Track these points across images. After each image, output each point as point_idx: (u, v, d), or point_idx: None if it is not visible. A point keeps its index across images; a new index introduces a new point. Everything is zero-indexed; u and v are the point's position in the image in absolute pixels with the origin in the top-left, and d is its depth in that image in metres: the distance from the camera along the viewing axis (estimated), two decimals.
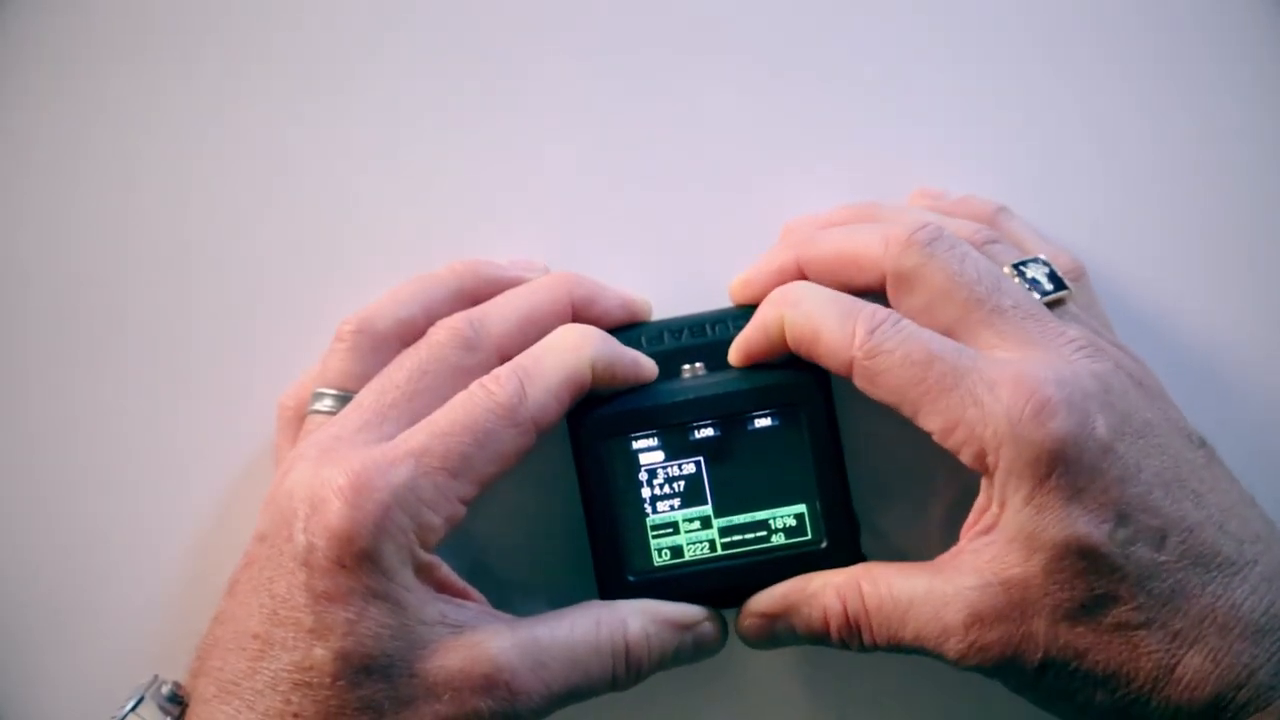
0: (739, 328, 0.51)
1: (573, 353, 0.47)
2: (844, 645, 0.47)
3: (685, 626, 0.48)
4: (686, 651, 0.48)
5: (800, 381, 0.48)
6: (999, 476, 0.44)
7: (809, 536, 0.48)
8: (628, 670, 0.46)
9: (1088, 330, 0.47)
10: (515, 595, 0.52)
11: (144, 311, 0.53)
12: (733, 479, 0.49)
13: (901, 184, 0.54)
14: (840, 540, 0.48)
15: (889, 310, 0.46)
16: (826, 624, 0.47)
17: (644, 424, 0.48)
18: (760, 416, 0.48)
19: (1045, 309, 0.47)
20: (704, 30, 0.54)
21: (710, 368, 0.50)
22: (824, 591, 0.47)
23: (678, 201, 0.54)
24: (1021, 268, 0.49)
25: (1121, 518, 0.43)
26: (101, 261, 0.53)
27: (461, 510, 0.45)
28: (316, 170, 0.54)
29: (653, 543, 0.48)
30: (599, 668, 0.46)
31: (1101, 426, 0.44)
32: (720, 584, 0.48)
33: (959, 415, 0.44)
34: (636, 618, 0.47)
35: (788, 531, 0.48)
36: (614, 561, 0.48)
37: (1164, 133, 0.54)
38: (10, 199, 0.53)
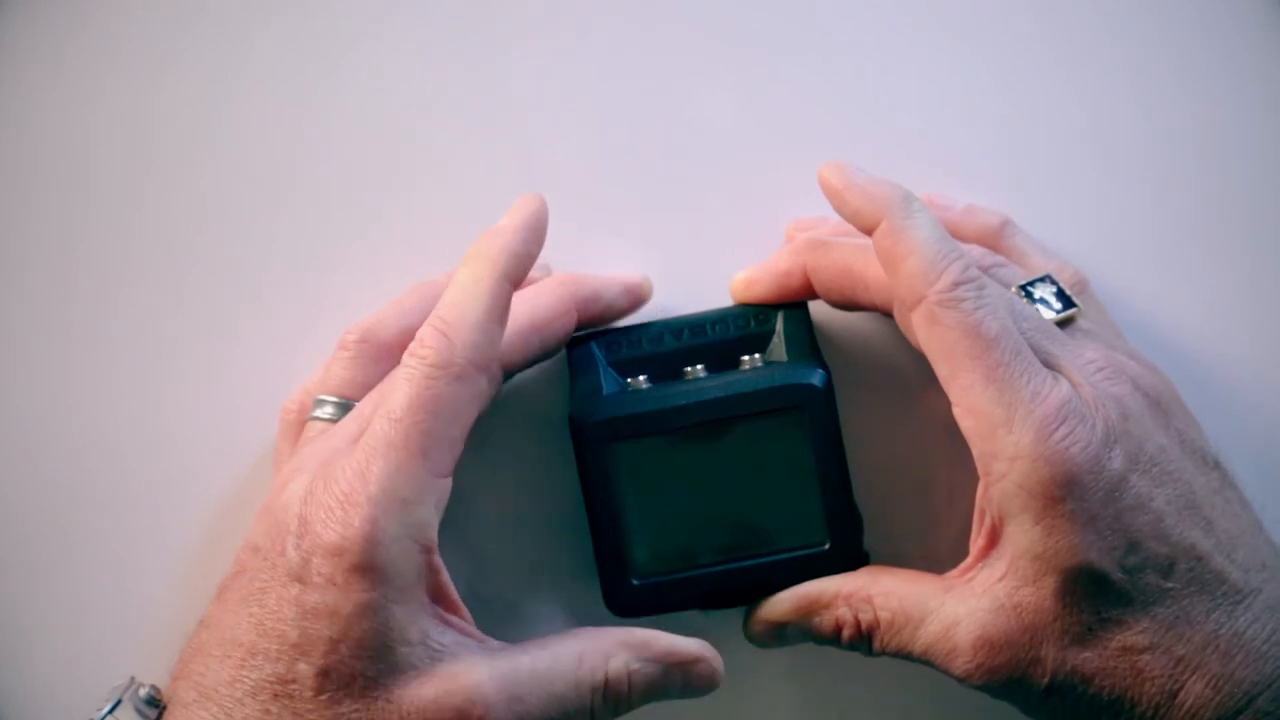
0: (739, 328, 0.51)
1: (477, 283, 0.46)
2: (852, 648, 0.48)
3: (678, 662, 0.47)
4: (675, 688, 0.47)
5: (803, 384, 0.48)
6: (1006, 488, 0.44)
7: (812, 539, 0.48)
8: (605, 705, 0.46)
9: (1103, 348, 0.47)
10: (520, 600, 0.52)
11: (144, 312, 0.53)
12: (736, 481, 0.48)
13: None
14: (843, 542, 0.48)
15: (981, 271, 0.46)
16: (838, 631, 0.48)
17: (646, 428, 0.48)
18: (763, 418, 0.48)
19: (1059, 330, 0.47)
20: (706, 31, 0.53)
21: (711, 369, 0.50)
22: (835, 602, 0.47)
23: (678, 200, 0.54)
24: (1029, 288, 0.49)
25: (1132, 546, 0.43)
26: (102, 263, 0.53)
27: (446, 485, 0.45)
28: (318, 172, 0.53)
29: (656, 546, 0.48)
30: (576, 703, 0.45)
31: (1119, 456, 0.44)
32: (724, 586, 0.48)
33: (990, 409, 0.44)
34: (621, 653, 0.46)
35: (791, 533, 0.48)
36: (617, 566, 0.48)
37: (1164, 136, 0.53)
38: (11, 198, 0.53)
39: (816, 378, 0.48)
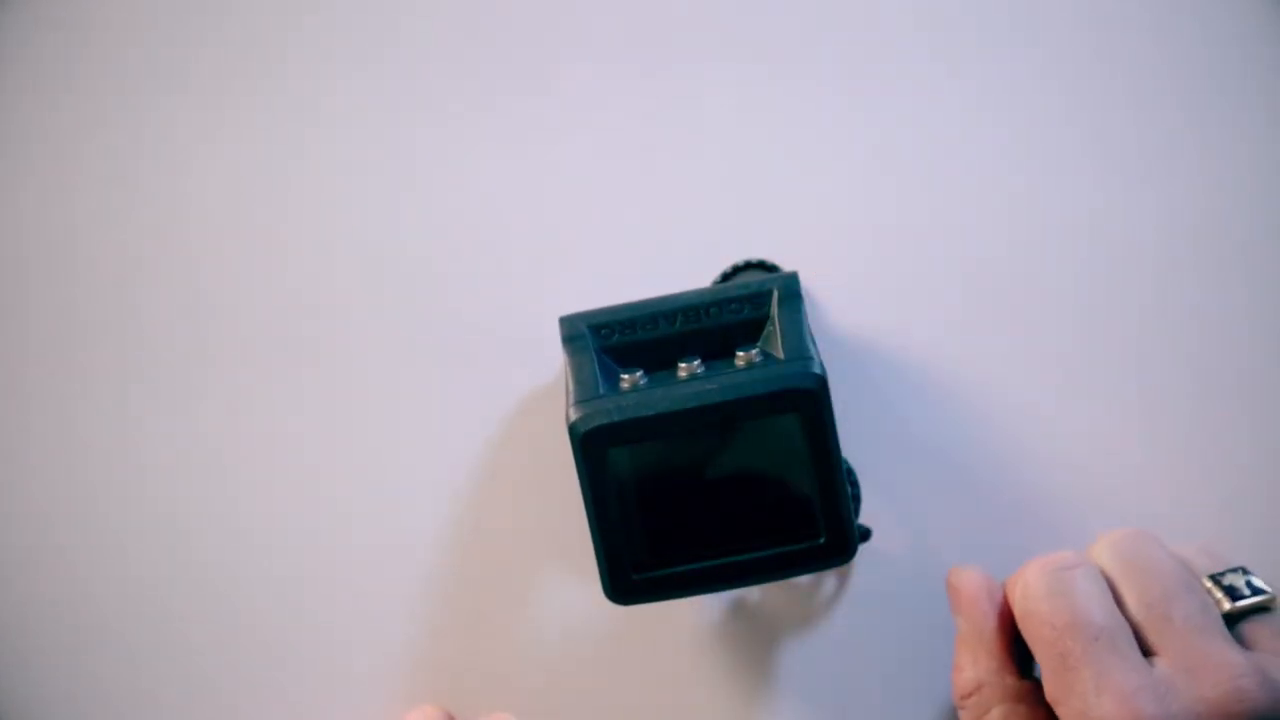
0: (733, 313, 0.51)
1: None
2: None
3: None
4: None
5: (800, 389, 0.48)
6: None
7: (807, 532, 0.49)
8: None
9: (1260, 664, 0.46)
10: (524, 595, 0.53)
11: (145, 318, 0.53)
12: (732, 477, 0.49)
13: (897, 181, 0.53)
14: (838, 536, 0.49)
15: (1081, 559, 0.47)
16: None
17: (644, 434, 0.48)
18: (760, 419, 0.48)
19: (1220, 625, 0.46)
20: (707, 36, 0.53)
21: (708, 359, 0.50)
22: None
23: (676, 189, 0.54)
24: (1218, 578, 0.48)
25: None
26: (103, 265, 0.53)
27: None
28: (317, 177, 0.53)
29: (654, 542, 0.49)
30: None
31: None
32: (720, 578, 0.49)
33: (1064, 696, 0.45)
34: None
35: (786, 528, 0.49)
36: (617, 561, 0.49)
37: (1163, 140, 0.53)
38: (12, 198, 0.53)
39: (813, 380, 0.48)
